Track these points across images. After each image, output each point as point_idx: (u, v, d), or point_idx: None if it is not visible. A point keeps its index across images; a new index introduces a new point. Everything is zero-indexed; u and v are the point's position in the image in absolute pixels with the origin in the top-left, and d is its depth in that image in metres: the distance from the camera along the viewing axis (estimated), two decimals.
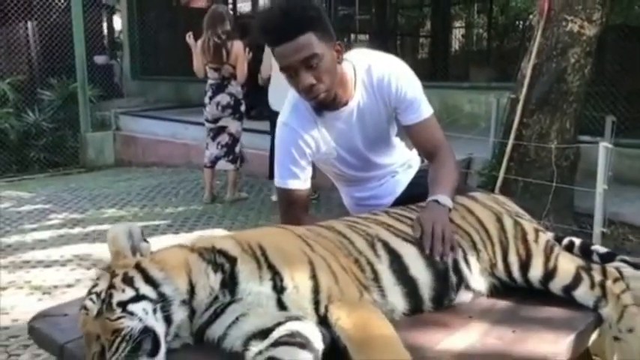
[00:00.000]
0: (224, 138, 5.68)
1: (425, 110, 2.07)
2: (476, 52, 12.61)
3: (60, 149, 8.06)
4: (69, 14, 8.13)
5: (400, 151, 2.29)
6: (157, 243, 1.53)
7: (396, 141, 2.27)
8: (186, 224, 5.05)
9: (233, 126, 5.65)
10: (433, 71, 9.89)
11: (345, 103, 2.01)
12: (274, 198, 5.68)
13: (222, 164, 5.71)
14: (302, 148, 2.00)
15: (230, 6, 12.38)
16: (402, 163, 2.29)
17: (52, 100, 8.31)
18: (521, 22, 11.88)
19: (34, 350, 2.97)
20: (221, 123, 5.64)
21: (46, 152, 7.88)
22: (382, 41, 10.73)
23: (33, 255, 4.33)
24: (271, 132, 5.65)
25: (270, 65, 5.34)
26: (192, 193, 6.15)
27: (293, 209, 2.04)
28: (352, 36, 12.37)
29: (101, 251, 4.35)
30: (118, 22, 13.19)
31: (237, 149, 5.72)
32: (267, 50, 5.40)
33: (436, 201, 1.77)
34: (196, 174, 6.81)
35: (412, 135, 2.10)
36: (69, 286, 3.73)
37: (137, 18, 11.09)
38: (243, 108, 5.68)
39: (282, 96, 6.13)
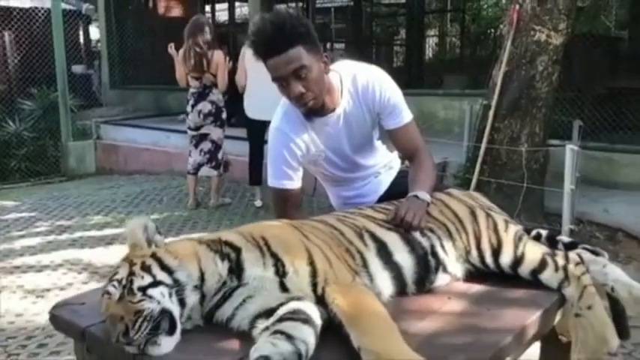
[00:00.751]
0: (206, 145, 5.81)
1: (406, 115, 2.28)
2: (449, 60, 12.94)
3: (41, 158, 8.11)
4: (48, 24, 8.21)
5: (382, 154, 2.49)
6: None
7: (379, 144, 2.47)
8: (172, 229, 5.17)
9: (215, 133, 5.79)
10: (408, 79, 10.13)
11: (333, 110, 2.20)
12: (257, 203, 5.85)
13: (206, 170, 5.85)
14: (294, 150, 2.18)
15: (208, 15, 12.53)
16: (384, 164, 2.49)
17: (32, 109, 8.35)
18: (492, 31, 12.24)
19: (32, 349, 3.08)
20: (203, 130, 5.77)
21: (28, 161, 7.92)
22: (358, 50, 10.96)
23: (23, 261, 4.42)
24: (249, 139, 5.83)
25: (245, 74, 5.52)
26: (176, 200, 6.27)
27: (287, 207, 2.21)
28: (328, 45, 12.61)
29: (90, 256, 4.48)
30: (94, 32, 13.24)
31: (219, 156, 5.85)
32: (241, 60, 5.58)
33: (416, 196, 1.97)
34: (178, 181, 6.94)
35: (394, 138, 2.30)
36: (62, 289, 3.84)
37: (115, 27, 11.17)
38: (224, 115, 5.82)
39: (257, 104, 6.29)
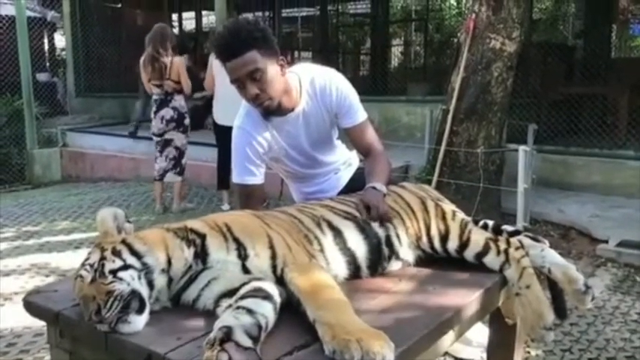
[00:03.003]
0: (171, 151, 5.91)
1: (361, 115, 2.45)
2: (413, 68, 13.20)
3: (5, 166, 8.07)
4: (12, 31, 8.18)
5: (341, 151, 2.64)
6: None
7: (338, 142, 2.62)
8: None
9: (178, 139, 5.89)
10: (373, 86, 10.34)
11: (292, 109, 2.34)
12: (224, 207, 5.94)
13: (170, 176, 5.93)
14: (256, 147, 2.32)
15: (175, 23, 12.58)
16: (343, 161, 2.64)
17: None
18: (455, 40, 12.54)
19: (1, 349, 3.12)
20: (167, 136, 5.87)
21: None
22: (325, 58, 11.13)
23: None
24: (218, 144, 5.93)
25: (213, 80, 5.65)
26: (144, 205, 6.31)
27: (251, 202, 2.34)
28: (296, 53, 12.77)
29: (58, 260, 4.51)
30: (60, 40, 13.15)
31: (183, 161, 5.95)
32: (209, 67, 5.71)
33: (373, 187, 2.13)
34: (145, 187, 6.98)
35: (351, 136, 2.46)
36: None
37: (81, 35, 11.13)
38: (187, 121, 5.91)
39: (225, 110, 6.40)
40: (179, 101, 5.85)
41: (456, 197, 4.98)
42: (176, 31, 12.37)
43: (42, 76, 10.99)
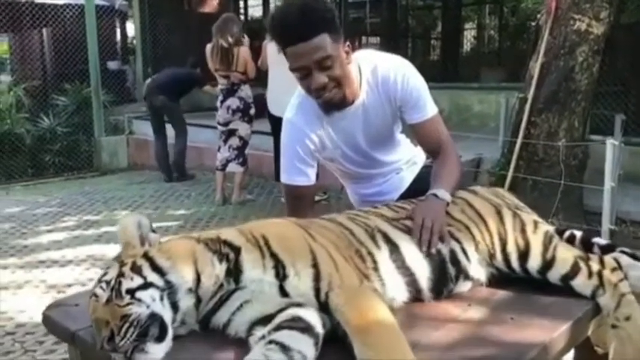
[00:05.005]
0: (235, 141, 5.82)
1: (430, 109, 2.10)
2: (487, 53, 12.62)
3: (74, 153, 8.18)
4: (82, 20, 8.26)
5: (405, 148, 2.33)
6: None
7: (401, 138, 2.31)
8: (198, 225, 5.12)
9: (243, 129, 5.81)
10: (444, 72, 9.92)
11: (352, 102, 2.05)
12: (284, 199, 5.75)
13: (232, 167, 5.84)
14: (307, 145, 2.05)
15: (242, 10, 12.51)
16: (406, 160, 2.33)
17: (66, 105, 8.43)
18: (532, 23, 11.87)
19: (48, 347, 3.04)
20: (231, 126, 5.80)
21: (61, 156, 7.98)
22: (393, 43, 10.78)
23: (48, 255, 4.42)
24: (273, 135, 5.75)
25: (267, 63, 5.47)
26: (204, 195, 6.23)
27: (299, 205, 2.09)
28: (363, 39, 12.44)
29: (114, 252, 4.42)
30: (130, 28, 13.34)
31: (246, 152, 5.86)
32: (263, 52, 5.51)
33: (435, 195, 1.82)
34: (208, 176, 6.91)
35: (417, 133, 2.14)
36: (83, 285, 3.81)
37: (149, 23, 11.21)
38: (252, 111, 5.83)
39: (279, 100, 6.25)
40: (245, 91, 5.81)
41: (532, 194, 4.60)
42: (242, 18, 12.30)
43: (112, 64, 11.12)
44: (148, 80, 7.27)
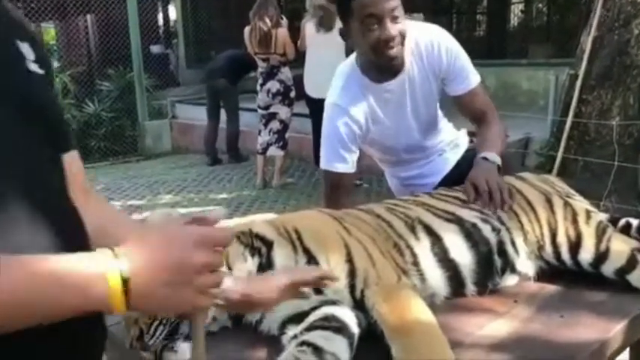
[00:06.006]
0: (275, 125, 5.77)
1: (473, 79, 2.06)
2: (535, 28, 12.18)
3: (119, 138, 8.28)
4: (125, 5, 8.31)
5: (447, 129, 2.26)
6: None
7: (444, 119, 2.23)
8: (239, 209, 5.11)
9: (283, 112, 5.75)
10: (490, 48, 9.63)
11: (397, 73, 1.97)
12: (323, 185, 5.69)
13: (273, 150, 5.80)
14: (352, 128, 1.99)
15: None
16: (449, 141, 2.26)
17: (110, 90, 8.53)
18: None
19: None
20: (272, 109, 5.75)
21: (106, 141, 8.09)
22: (438, 19, 10.52)
23: None
24: (312, 118, 5.68)
25: (305, 44, 5.40)
26: (245, 179, 6.23)
27: (337, 193, 2.04)
28: (407, 15, 12.16)
29: None
30: (173, 12, 13.42)
31: (286, 135, 5.80)
32: (302, 32, 5.44)
33: (485, 158, 1.80)
34: (249, 160, 6.89)
35: (461, 105, 2.09)
36: None
37: (190, 7, 11.23)
38: (293, 94, 5.76)
39: (317, 82, 6.12)
40: (285, 74, 5.73)
41: (584, 176, 4.40)
42: None
43: (155, 48, 11.20)
44: (210, 63, 7.30)
